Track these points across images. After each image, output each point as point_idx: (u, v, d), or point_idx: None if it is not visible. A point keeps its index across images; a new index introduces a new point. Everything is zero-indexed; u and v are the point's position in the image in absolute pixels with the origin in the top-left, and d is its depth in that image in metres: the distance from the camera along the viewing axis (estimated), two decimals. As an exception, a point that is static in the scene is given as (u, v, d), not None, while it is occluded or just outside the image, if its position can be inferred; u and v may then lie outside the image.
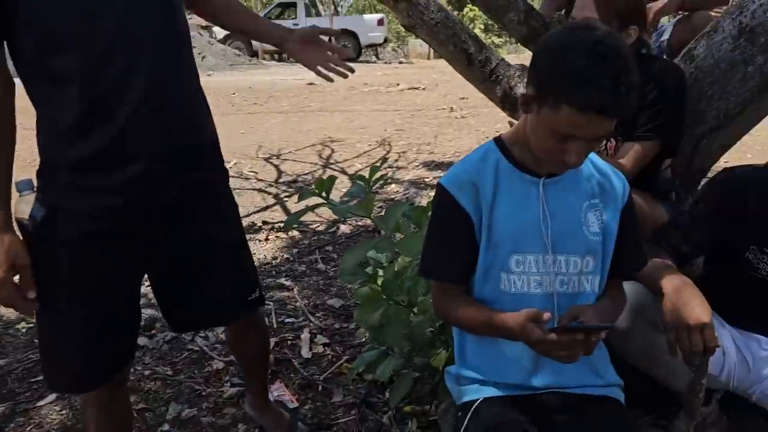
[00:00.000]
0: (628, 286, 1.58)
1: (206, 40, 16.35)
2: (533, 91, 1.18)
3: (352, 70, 1.70)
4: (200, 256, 1.54)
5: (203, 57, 14.86)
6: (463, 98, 9.30)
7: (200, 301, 1.57)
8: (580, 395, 1.33)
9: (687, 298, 1.46)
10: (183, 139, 1.40)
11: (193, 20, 23.09)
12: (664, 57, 2.73)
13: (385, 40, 19.26)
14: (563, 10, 2.79)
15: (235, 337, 1.91)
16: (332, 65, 1.67)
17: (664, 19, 3.25)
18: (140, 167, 1.32)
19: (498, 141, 1.37)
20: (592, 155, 1.39)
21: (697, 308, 1.43)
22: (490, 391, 1.33)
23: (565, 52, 1.12)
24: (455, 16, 2.65)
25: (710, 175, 2.05)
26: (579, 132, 1.13)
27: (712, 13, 2.79)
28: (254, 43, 17.34)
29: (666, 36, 2.90)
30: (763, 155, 5.61)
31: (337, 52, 1.69)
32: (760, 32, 1.79)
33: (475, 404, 1.32)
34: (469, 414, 1.31)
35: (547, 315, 1.16)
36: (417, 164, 5.73)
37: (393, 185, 5.06)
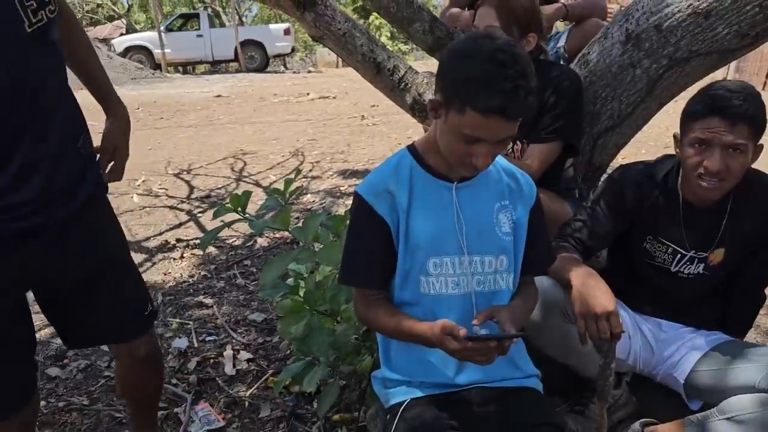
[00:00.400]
0: (540, 281, 1.66)
1: (105, 53, 15.68)
2: (440, 97, 1.23)
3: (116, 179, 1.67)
4: (92, 274, 1.50)
5: (103, 71, 14.22)
6: (374, 106, 9.40)
7: (100, 316, 1.54)
8: (502, 388, 1.39)
9: (592, 289, 1.55)
10: (68, 170, 1.37)
11: (91, 32, 22.10)
12: (561, 62, 2.88)
13: (293, 50, 19.13)
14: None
15: (130, 373, 1.75)
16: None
17: (560, 26, 3.42)
18: (29, 208, 1.29)
19: (411, 148, 1.41)
20: (500, 159, 1.46)
21: (601, 297, 1.52)
22: (417, 392, 1.37)
23: (468, 59, 1.17)
24: (362, 26, 2.68)
25: (609, 171, 2.18)
26: (484, 134, 1.19)
27: (608, 15, 2.98)
28: (156, 54, 16.83)
29: (562, 42, 3.06)
30: (656, 150, 6.01)
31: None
32: (644, 38, 1.93)
33: (403, 405, 1.35)
34: (398, 416, 1.34)
35: (462, 331, 1.20)
36: (331, 173, 5.74)
37: (309, 195, 5.04)
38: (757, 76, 11.45)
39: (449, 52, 1.24)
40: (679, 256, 1.76)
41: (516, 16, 1.96)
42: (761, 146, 1.60)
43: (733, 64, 12.07)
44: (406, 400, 1.36)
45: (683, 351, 1.80)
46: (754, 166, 1.68)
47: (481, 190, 1.39)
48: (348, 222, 1.43)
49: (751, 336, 2.76)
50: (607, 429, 1.82)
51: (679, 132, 1.65)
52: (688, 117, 1.60)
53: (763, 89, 11.16)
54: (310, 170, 5.90)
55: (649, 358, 1.86)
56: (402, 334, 1.33)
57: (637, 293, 1.88)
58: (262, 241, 3.96)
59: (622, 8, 2.31)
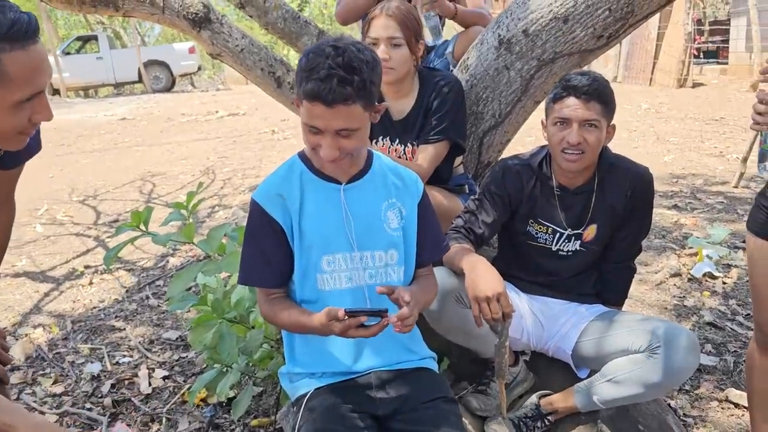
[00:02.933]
0: (435, 271, 1.79)
1: (-3, 80, 14.89)
2: (296, 93, 1.35)
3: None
4: None
5: (-4, 99, 13.51)
6: (284, 120, 9.43)
7: None
8: (398, 370, 1.49)
9: (482, 274, 1.68)
10: None
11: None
12: (451, 67, 3.05)
13: (200, 68, 18.80)
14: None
15: None
16: None
17: (449, 34, 3.60)
18: None
19: (301, 154, 1.50)
20: (387, 160, 1.57)
21: (491, 281, 1.65)
22: (320, 382, 1.45)
23: (306, 54, 1.31)
24: (259, 42, 2.75)
25: (496, 167, 2.34)
26: (318, 123, 1.30)
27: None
28: (55, 79, 16.14)
29: (450, 48, 3.23)
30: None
31: None
32: (514, 42, 2.10)
33: (307, 396, 1.43)
34: (303, 405, 1.42)
35: (341, 312, 1.28)
36: (243, 189, 5.74)
37: (221, 212, 5.03)
38: (644, 72, 12.26)
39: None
40: (557, 234, 1.93)
41: (413, 27, 2.09)
42: (614, 126, 1.83)
43: (621, 62, 12.89)
44: (309, 391, 1.44)
45: (568, 325, 1.96)
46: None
47: (368, 190, 1.49)
48: (245, 227, 1.49)
49: (637, 309, 3.01)
50: (508, 404, 1.97)
51: (544, 118, 1.84)
52: (550, 101, 1.82)
53: (650, 85, 11.97)
54: (222, 187, 5.87)
55: (541, 335, 2.02)
56: (299, 327, 1.41)
57: (526, 275, 2.03)
58: (174, 260, 3.93)
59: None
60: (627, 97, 10.10)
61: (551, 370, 2.09)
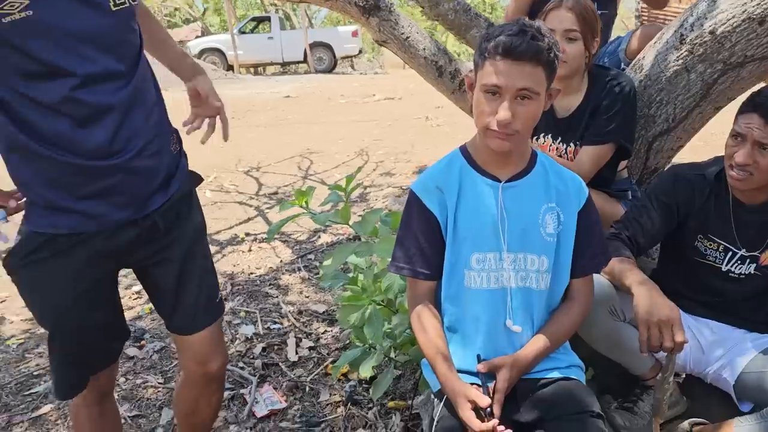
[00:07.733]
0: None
1: (181, 55, 16.32)
2: (473, 68, 1.38)
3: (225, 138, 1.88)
4: (184, 263, 1.58)
5: (178, 73, 14.83)
6: (439, 107, 9.45)
7: (187, 304, 1.60)
8: (543, 379, 1.47)
9: (656, 297, 1.55)
10: (156, 162, 1.45)
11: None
12: (622, 66, 2.90)
13: (360, 51, 19.37)
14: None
15: (194, 392, 1.70)
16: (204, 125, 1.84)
17: (621, 31, 3.42)
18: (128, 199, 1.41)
19: (462, 148, 1.51)
20: (551, 162, 1.52)
21: (666, 307, 1.52)
22: (462, 378, 1.45)
23: (493, 27, 1.35)
24: (424, 31, 2.78)
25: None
26: (500, 80, 1.30)
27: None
28: (230, 56, 17.40)
29: (623, 45, 3.07)
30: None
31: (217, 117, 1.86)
32: (699, 43, 1.95)
33: (449, 389, 1.44)
34: (444, 399, 1.43)
35: (486, 401, 1.33)
36: (395, 173, 5.86)
37: (372, 194, 5.18)
38: None
39: None
40: (730, 254, 1.78)
41: (591, 22, 2.02)
42: None
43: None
44: (453, 386, 1.45)
45: (734, 353, 1.81)
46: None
47: (528, 191, 1.46)
48: (401, 216, 1.53)
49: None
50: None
51: None
52: (738, 112, 1.68)
53: None
54: (374, 169, 6.04)
55: (699, 359, 1.88)
56: (433, 360, 1.43)
57: (689, 293, 1.90)
58: (325, 237, 4.12)
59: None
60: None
61: (709, 398, 1.95)
